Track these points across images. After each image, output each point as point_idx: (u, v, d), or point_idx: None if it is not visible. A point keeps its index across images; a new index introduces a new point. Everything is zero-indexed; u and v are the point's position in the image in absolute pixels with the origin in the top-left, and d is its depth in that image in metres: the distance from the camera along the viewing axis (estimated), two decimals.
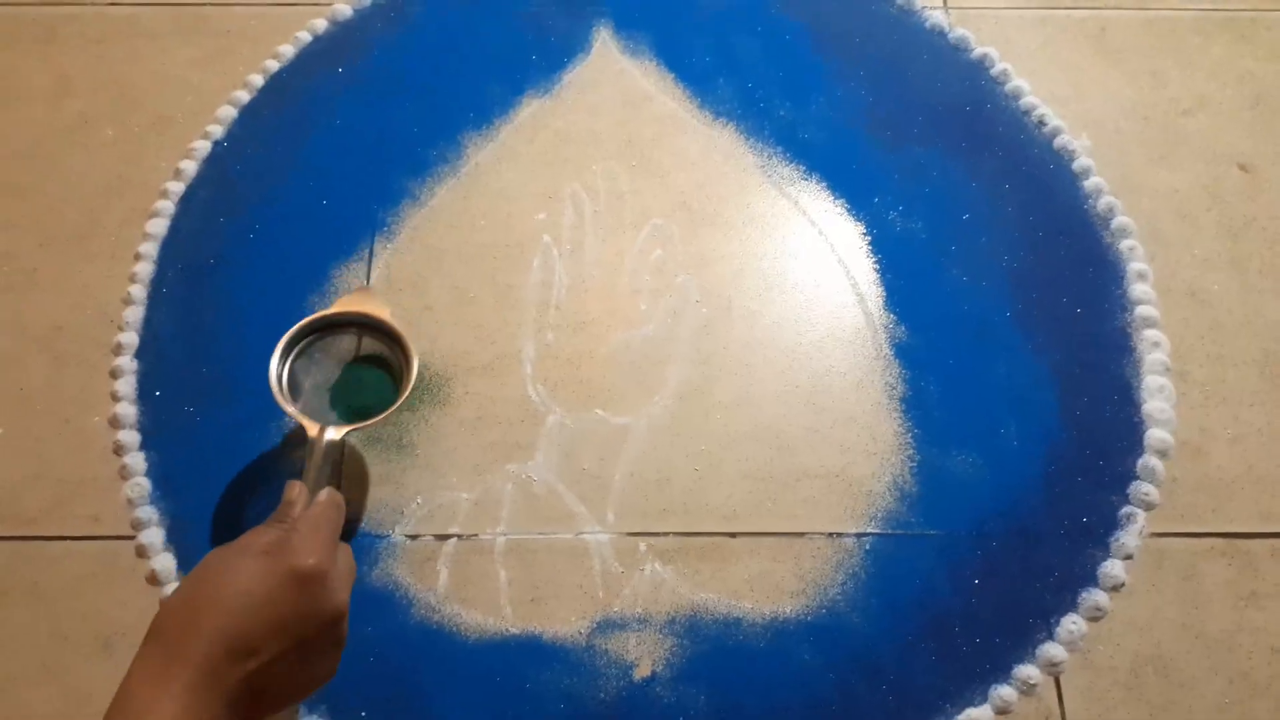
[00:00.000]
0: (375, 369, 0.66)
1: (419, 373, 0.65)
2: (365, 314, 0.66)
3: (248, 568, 0.48)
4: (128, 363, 0.71)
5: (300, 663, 0.49)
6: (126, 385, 0.71)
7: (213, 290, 0.74)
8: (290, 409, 0.62)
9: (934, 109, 0.81)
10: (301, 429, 0.61)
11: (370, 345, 0.67)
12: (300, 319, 0.65)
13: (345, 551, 0.53)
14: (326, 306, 0.68)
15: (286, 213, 0.77)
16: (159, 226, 0.76)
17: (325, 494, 0.54)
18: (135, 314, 0.73)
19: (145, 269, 0.75)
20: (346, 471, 0.67)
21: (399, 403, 0.62)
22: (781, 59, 0.84)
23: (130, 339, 0.72)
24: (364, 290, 0.69)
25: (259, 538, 0.50)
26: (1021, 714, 0.60)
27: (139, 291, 0.74)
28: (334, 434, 0.60)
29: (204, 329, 0.73)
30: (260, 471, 0.67)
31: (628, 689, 0.61)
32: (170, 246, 0.76)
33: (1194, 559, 0.64)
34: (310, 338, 0.66)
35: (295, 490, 0.54)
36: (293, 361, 0.64)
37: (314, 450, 0.59)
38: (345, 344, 0.67)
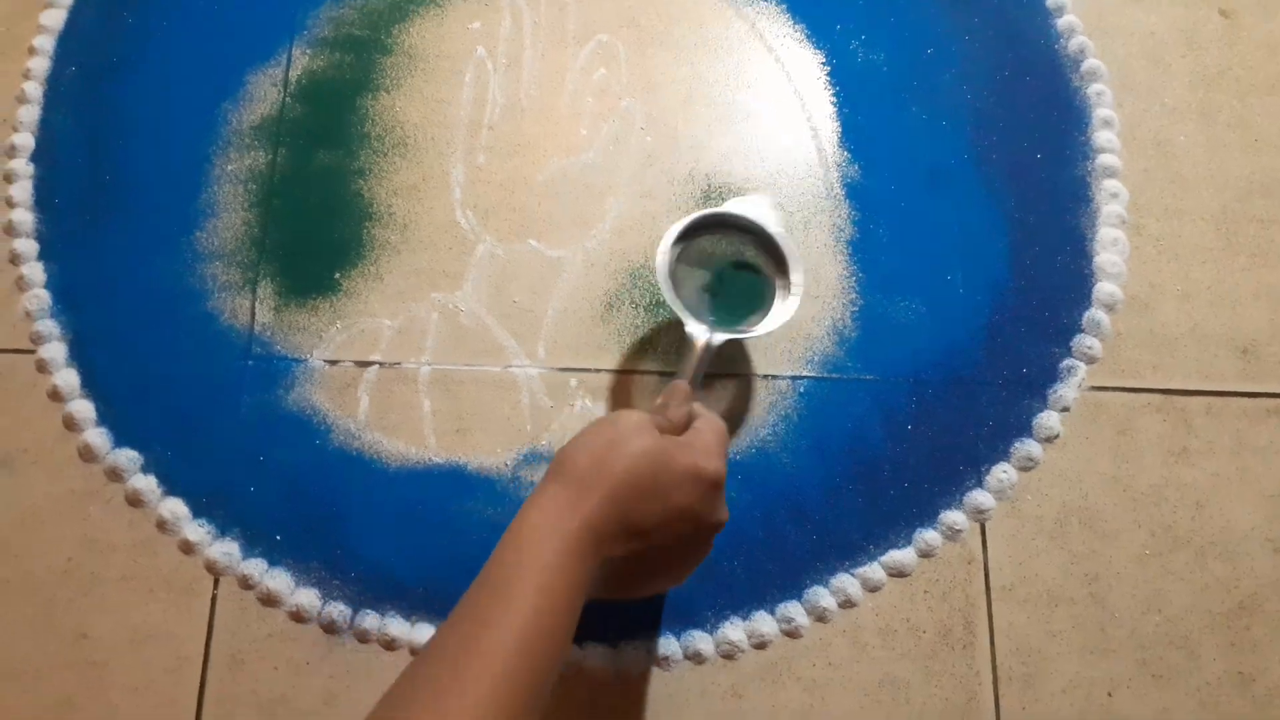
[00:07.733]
0: (748, 273, 0.62)
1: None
2: (753, 221, 0.61)
3: (658, 447, 0.47)
4: (23, 166, 0.66)
5: (672, 561, 0.49)
6: (22, 191, 0.66)
7: (116, 93, 0.68)
8: (680, 310, 0.58)
9: None
10: (679, 324, 0.59)
11: (752, 254, 0.62)
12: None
13: None
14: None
15: (196, 11, 0.70)
16: (55, 18, 0.70)
17: (714, 416, 0.53)
18: (30, 114, 0.67)
19: (41, 65, 0.69)
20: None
21: (785, 318, 0.59)
22: None
23: (25, 140, 0.67)
24: (759, 195, 0.66)
25: (657, 422, 0.50)
26: (944, 557, 0.60)
27: (34, 89, 0.68)
28: (719, 339, 0.57)
29: (107, 135, 0.67)
30: (167, 291, 0.64)
31: None
32: (68, 42, 0.69)
33: (1130, 414, 0.64)
34: (693, 235, 0.61)
35: (684, 392, 0.53)
36: (674, 259, 0.60)
37: (697, 353, 0.57)
38: (719, 246, 0.62)
